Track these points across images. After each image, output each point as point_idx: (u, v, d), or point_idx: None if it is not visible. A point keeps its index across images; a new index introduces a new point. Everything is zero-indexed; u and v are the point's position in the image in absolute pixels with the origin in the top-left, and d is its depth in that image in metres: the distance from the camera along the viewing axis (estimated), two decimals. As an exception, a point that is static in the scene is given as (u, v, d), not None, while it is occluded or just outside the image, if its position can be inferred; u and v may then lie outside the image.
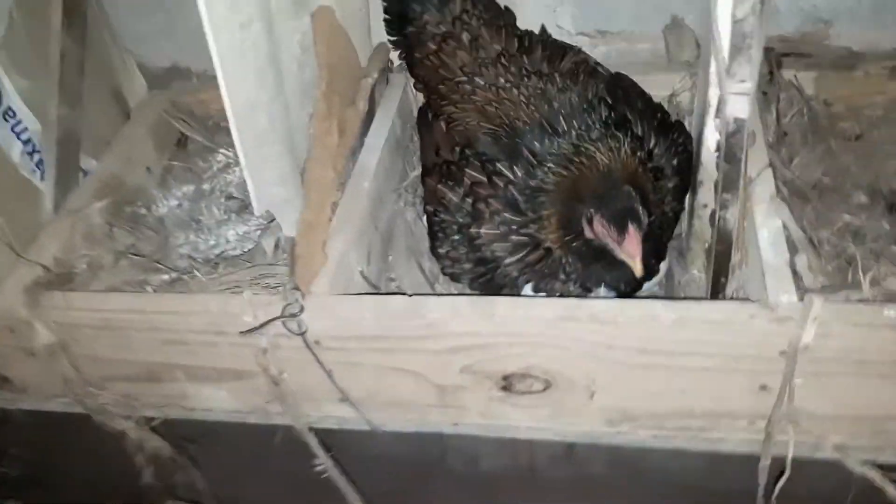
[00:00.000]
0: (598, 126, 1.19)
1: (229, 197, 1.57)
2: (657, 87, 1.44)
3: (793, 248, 1.11)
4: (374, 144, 1.42)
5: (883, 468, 1.08)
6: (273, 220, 1.34)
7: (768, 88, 1.43)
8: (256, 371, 1.19)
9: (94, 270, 1.31)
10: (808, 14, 1.49)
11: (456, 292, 1.34)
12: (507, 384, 1.16)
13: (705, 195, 1.21)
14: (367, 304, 1.12)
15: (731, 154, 0.93)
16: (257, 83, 0.93)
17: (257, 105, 0.94)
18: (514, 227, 1.20)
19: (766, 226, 1.12)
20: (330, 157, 1.15)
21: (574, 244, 1.18)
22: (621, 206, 1.10)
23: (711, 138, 1.13)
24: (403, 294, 1.13)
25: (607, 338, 1.06)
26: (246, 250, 1.43)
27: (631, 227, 1.08)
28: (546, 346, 1.09)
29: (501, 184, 1.20)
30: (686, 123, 1.38)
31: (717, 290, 1.10)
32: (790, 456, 1.08)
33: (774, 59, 1.46)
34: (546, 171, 1.18)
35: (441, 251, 1.29)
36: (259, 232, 1.46)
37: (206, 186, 1.60)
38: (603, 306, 1.05)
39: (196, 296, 1.18)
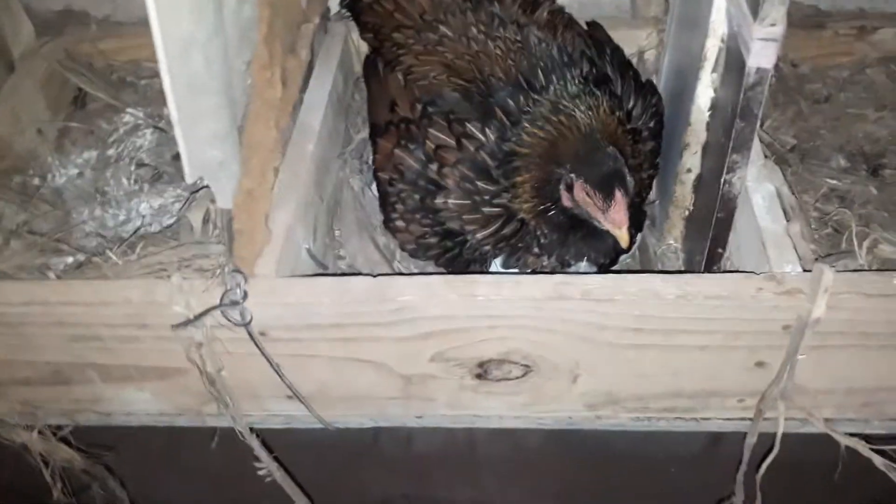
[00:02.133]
0: (577, 82, 1.06)
1: (140, 164, 1.35)
2: (622, 43, 1.32)
3: (786, 214, 1.03)
4: (316, 101, 1.24)
5: (870, 440, 1.04)
6: (198, 190, 1.14)
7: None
8: (188, 368, 1.01)
9: (-23, 254, 1.08)
10: (776, -32, 1.42)
11: (417, 270, 1.19)
12: (483, 371, 1.03)
13: (690, 159, 1.11)
14: (325, 287, 0.96)
15: (748, 110, 0.83)
16: (194, 15, 0.74)
17: (192, 43, 0.75)
18: (486, 197, 1.06)
19: (759, 191, 1.04)
20: (272, 112, 0.97)
21: (550, 213, 1.06)
22: (606, 169, 0.98)
23: (705, 96, 1.03)
24: (367, 275, 0.97)
25: (601, 317, 0.95)
26: (165, 226, 1.22)
27: (618, 193, 0.97)
28: (531, 328, 0.96)
29: (472, 147, 1.05)
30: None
31: (712, 262, 1.01)
32: (780, 433, 1.02)
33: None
34: (520, 132, 1.04)
35: (399, 224, 1.14)
36: (178, 205, 1.25)
37: (111, 152, 1.37)
38: (597, 283, 0.93)
39: (112, 283, 0.98)
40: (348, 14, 1.37)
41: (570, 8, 1.31)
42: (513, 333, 0.97)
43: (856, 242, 1.02)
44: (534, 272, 1.14)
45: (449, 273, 1.17)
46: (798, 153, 1.22)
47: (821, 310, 0.89)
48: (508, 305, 0.94)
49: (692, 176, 1.13)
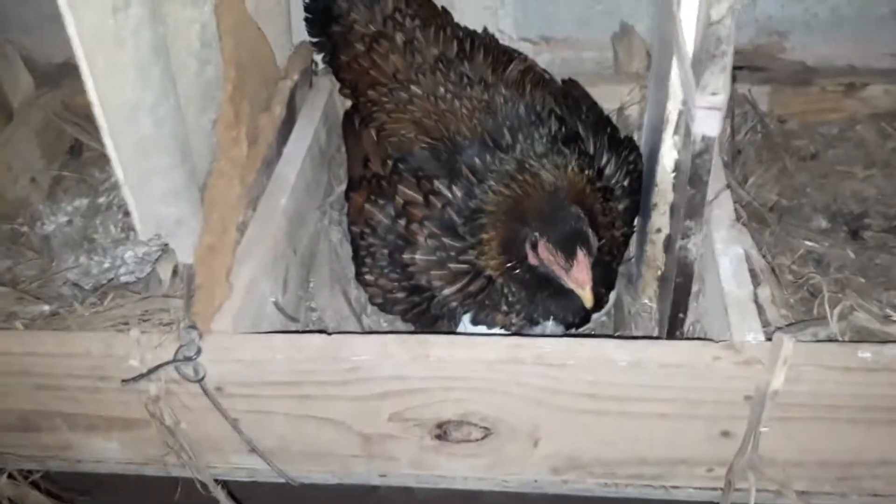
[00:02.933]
0: (544, 141, 1.06)
1: (128, 212, 1.38)
2: (604, 99, 1.33)
3: (754, 278, 1.01)
4: (294, 155, 1.26)
5: None
6: (167, 244, 1.16)
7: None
8: (150, 420, 1.02)
9: (-45, 300, 1.10)
10: (763, 25, 1.41)
11: (386, 324, 1.19)
12: (442, 432, 1.02)
13: (659, 219, 1.10)
14: (278, 344, 0.96)
15: (696, 177, 0.82)
16: (139, 80, 0.76)
17: (139, 106, 0.77)
18: (452, 253, 1.06)
19: (727, 254, 1.02)
20: (237, 169, 0.99)
21: (517, 271, 1.06)
22: (569, 228, 0.98)
23: (668, 157, 1.02)
24: (322, 332, 0.97)
25: (554, 382, 0.93)
26: (144, 275, 1.24)
27: (579, 253, 0.97)
28: (486, 390, 0.95)
29: (439, 204, 1.06)
30: (635, 139, 1.27)
31: (674, 327, 0.99)
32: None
33: (728, 71, 1.37)
34: (486, 190, 1.05)
35: (368, 278, 1.14)
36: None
37: (101, 200, 1.40)
38: (549, 347, 0.92)
39: (75, 335, 1.00)
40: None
41: (552, 64, 1.33)
42: (469, 395, 0.96)
43: (828, 309, 0.99)
44: (503, 329, 1.13)
45: (417, 328, 1.17)
46: (777, 212, 1.20)
47: (779, 381, 0.87)
48: (463, 367, 0.93)
49: (662, 236, 1.11)
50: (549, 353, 0.91)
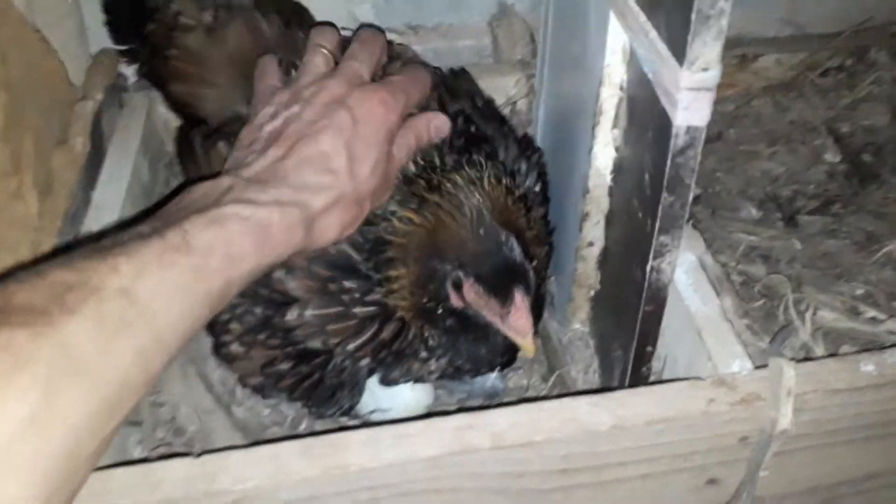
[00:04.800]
0: (452, 149, 0.84)
1: None
2: (488, 93, 1.13)
3: (716, 290, 0.85)
4: (108, 200, 0.93)
5: None
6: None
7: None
8: None
9: None
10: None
11: (268, 411, 0.91)
12: (369, 549, 0.76)
13: (592, 231, 0.91)
14: (120, 483, 0.65)
15: (677, 180, 0.63)
16: None
17: None
18: (356, 296, 0.81)
19: (681, 264, 0.85)
20: (25, 234, 0.67)
21: (436, 314, 0.83)
22: (501, 264, 0.77)
23: (604, 156, 0.83)
24: (184, 454, 0.68)
25: (518, 465, 0.71)
26: None
27: (517, 295, 0.76)
28: (430, 492, 0.71)
29: None
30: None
31: (641, 362, 0.80)
32: (738, 551, 0.83)
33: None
34: (389, 216, 0.80)
35: (236, 350, 0.86)
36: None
37: None
38: (508, 422, 0.69)
39: None
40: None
41: (423, 57, 1.10)
42: (406, 502, 0.71)
43: (794, 313, 0.85)
44: (418, 380, 0.90)
45: (309, 406, 0.90)
46: (706, 205, 1.06)
47: (787, 419, 0.71)
48: (394, 472, 0.68)
49: (595, 250, 0.93)
50: (510, 431, 0.69)
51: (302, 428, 0.93)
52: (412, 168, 0.83)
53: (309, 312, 0.82)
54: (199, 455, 0.67)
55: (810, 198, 1.10)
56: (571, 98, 0.93)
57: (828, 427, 0.76)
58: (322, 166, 0.70)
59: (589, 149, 0.84)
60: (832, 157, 1.21)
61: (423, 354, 0.88)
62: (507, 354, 0.93)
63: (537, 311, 0.89)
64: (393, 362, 0.88)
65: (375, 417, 0.94)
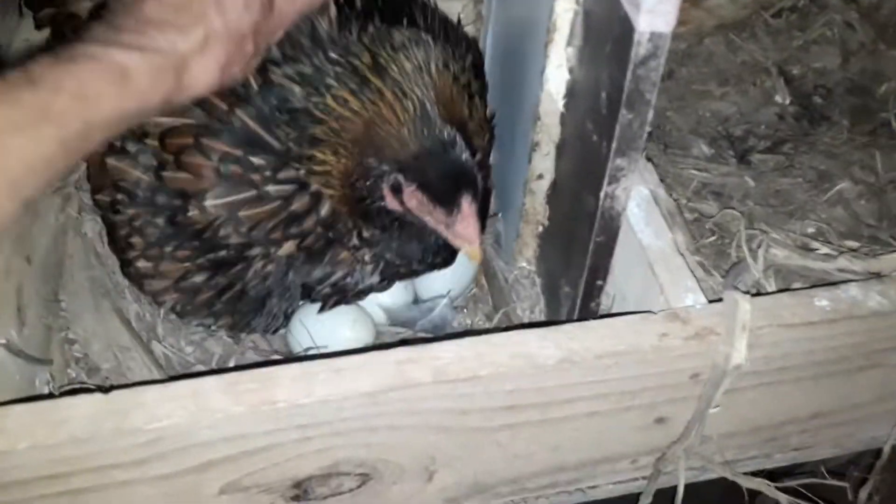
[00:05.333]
0: (400, 20, 0.78)
1: None
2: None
3: (668, 223, 0.82)
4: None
5: (773, 475, 0.88)
6: None
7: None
8: None
9: None
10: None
11: (192, 349, 0.84)
12: (301, 492, 0.71)
13: (541, 162, 0.86)
14: (20, 422, 0.58)
15: (636, 95, 0.58)
16: None
17: None
18: (267, 173, 0.74)
19: (634, 197, 0.81)
20: None
21: (368, 210, 0.77)
22: (447, 170, 0.71)
23: (556, 78, 0.77)
24: (97, 387, 0.61)
25: (461, 401, 0.66)
26: None
27: (464, 202, 0.71)
28: (365, 430, 0.66)
29: (224, 106, 0.73)
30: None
31: (589, 297, 0.77)
32: (682, 490, 0.82)
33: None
34: (324, 92, 0.73)
35: (143, 267, 0.78)
36: None
37: None
38: (452, 355, 0.65)
39: None
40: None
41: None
42: (339, 441, 0.66)
43: (746, 250, 0.82)
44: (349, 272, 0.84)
45: (236, 324, 0.84)
46: (658, 142, 1.02)
47: (741, 354, 0.68)
48: (329, 409, 0.62)
49: (544, 183, 0.88)
50: (454, 365, 0.64)
51: (230, 365, 0.87)
52: (357, 35, 0.75)
53: (212, 202, 0.74)
54: (109, 390, 0.60)
55: (762, 138, 1.07)
56: (521, 19, 0.86)
57: (779, 364, 0.75)
58: (183, 4, 0.62)
59: (541, 70, 0.78)
60: (782, 98, 1.18)
61: (354, 242, 0.82)
62: (444, 254, 0.88)
63: (483, 213, 0.83)
64: (322, 250, 0.81)
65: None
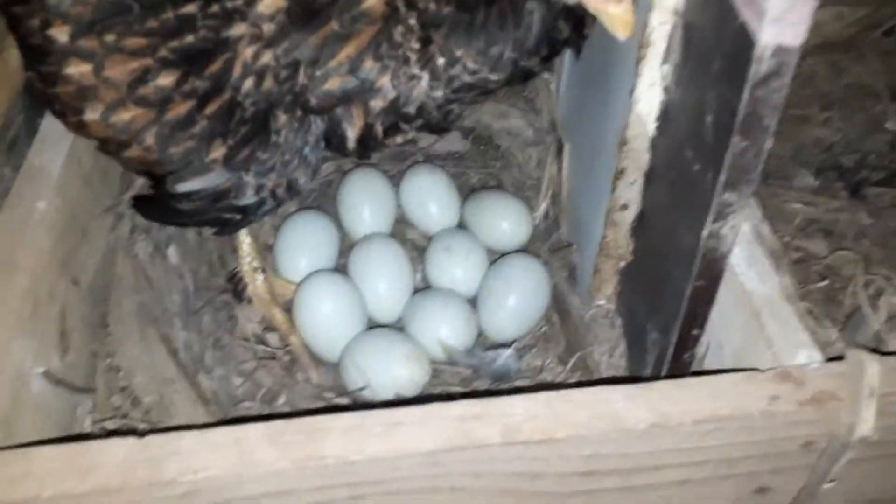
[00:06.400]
0: None
1: None
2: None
3: (774, 266, 0.72)
4: (57, 130, 0.80)
5: None
6: None
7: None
8: None
9: None
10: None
11: (241, 381, 0.78)
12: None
13: (626, 191, 0.77)
14: (45, 465, 0.53)
15: (753, 119, 0.50)
16: None
17: None
18: None
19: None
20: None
21: None
22: None
23: (647, 98, 0.69)
24: (128, 432, 0.55)
25: (534, 464, 0.58)
26: None
27: None
28: (426, 490, 0.58)
29: None
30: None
31: (685, 348, 0.67)
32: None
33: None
34: None
35: (77, 74, 0.59)
36: None
37: None
38: (525, 411, 0.56)
39: None
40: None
41: None
42: (394, 501, 0.59)
43: (864, 298, 0.72)
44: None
45: (230, 158, 0.63)
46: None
47: (868, 424, 0.58)
48: (382, 468, 0.55)
49: (629, 214, 0.79)
50: (527, 424, 0.56)
51: (280, 403, 0.81)
52: None
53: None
54: (145, 434, 0.55)
55: (874, 168, 0.96)
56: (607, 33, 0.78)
57: (906, 434, 0.64)
58: None
59: (630, 90, 0.70)
60: (895, 125, 1.07)
61: (415, 48, 0.57)
62: (543, 53, 0.62)
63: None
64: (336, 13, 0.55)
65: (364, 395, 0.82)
